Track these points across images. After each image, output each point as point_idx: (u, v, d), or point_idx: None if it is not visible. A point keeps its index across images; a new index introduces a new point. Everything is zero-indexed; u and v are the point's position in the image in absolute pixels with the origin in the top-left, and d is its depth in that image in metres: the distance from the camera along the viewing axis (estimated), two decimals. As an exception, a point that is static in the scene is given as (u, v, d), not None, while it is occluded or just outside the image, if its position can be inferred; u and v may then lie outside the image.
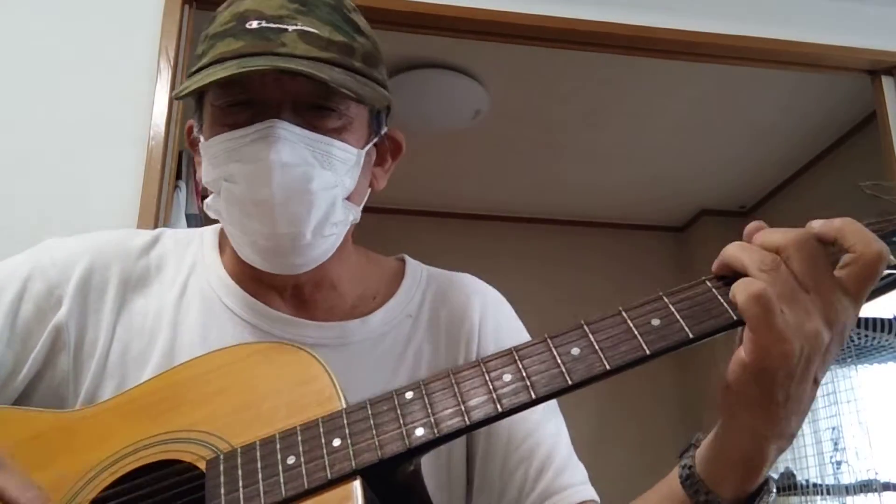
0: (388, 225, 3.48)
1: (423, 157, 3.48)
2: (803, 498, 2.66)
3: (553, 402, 0.85)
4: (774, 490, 0.64)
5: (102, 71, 1.93)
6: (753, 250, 0.59)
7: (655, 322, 0.59)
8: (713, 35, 2.29)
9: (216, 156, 0.76)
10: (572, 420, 0.86)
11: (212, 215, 0.81)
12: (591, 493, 0.81)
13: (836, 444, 2.64)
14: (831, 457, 2.65)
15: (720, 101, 3.11)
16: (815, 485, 2.65)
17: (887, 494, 2.47)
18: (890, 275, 0.62)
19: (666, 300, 0.60)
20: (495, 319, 0.89)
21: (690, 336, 0.58)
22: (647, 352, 0.58)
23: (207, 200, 0.80)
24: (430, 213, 3.96)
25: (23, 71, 1.90)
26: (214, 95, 0.77)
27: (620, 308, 0.61)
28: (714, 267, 0.61)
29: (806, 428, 2.81)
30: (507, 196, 3.92)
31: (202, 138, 0.79)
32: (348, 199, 0.79)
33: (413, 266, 0.92)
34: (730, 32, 2.30)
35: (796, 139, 3.37)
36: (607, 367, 0.58)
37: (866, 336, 2.52)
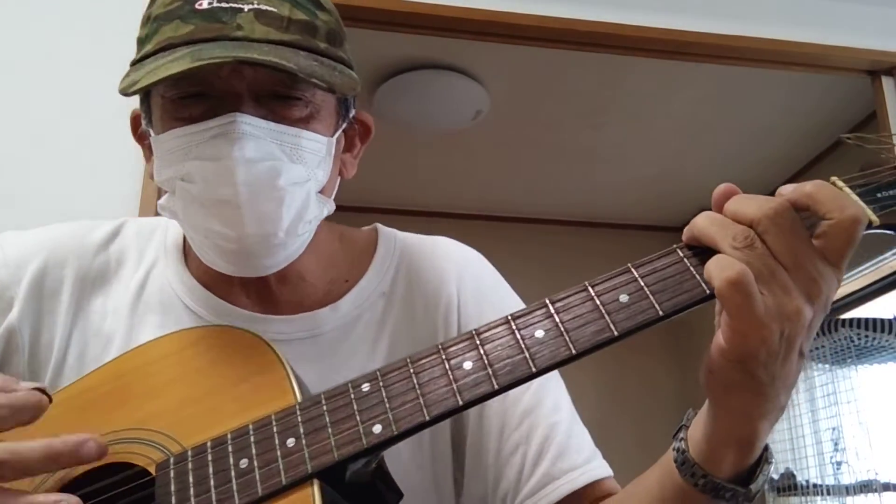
0: (387, 225, 3.47)
1: (423, 158, 3.48)
2: (803, 498, 2.66)
3: None
4: (773, 461, 0.61)
5: (102, 71, 1.92)
6: (725, 224, 0.54)
7: (624, 298, 0.56)
8: (713, 35, 2.29)
9: (171, 152, 0.69)
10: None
11: (167, 217, 0.75)
12: (597, 471, 0.76)
13: (836, 444, 2.64)
14: (831, 457, 2.65)
15: (720, 102, 3.10)
16: (815, 485, 2.65)
17: (887, 495, 2.47)
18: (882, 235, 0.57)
19: (635, 273, 0.57)
20: (475, 287, 0.83)
21: (661, 313, 0.54)
22: (616, 333, 0.55)
23: (161, 201, 0.74)
24: (430, 213, 3.96)
25: (22, 71, 1.90)
26: (164, 87, 0.69)
27: (587, 283, 0.57)
28: (684, 237, 0.57)
29: (806, 428, 2.81)
30: (507, 196, 3.91)
31: (152, 132, 0.72)
32: (321, 192, 0.73)
33: (386, 237, 0.86)
34: (730, 33, 2.30)
35: (796, 139, 3.37)
36: (573, 351, 0.55)
37: (866, 336, 2.52)
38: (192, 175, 0.68)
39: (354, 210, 3.59)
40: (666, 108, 3.15)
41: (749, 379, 0.54)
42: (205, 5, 0.67)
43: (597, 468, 0.76)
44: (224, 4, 0.67)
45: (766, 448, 0.60)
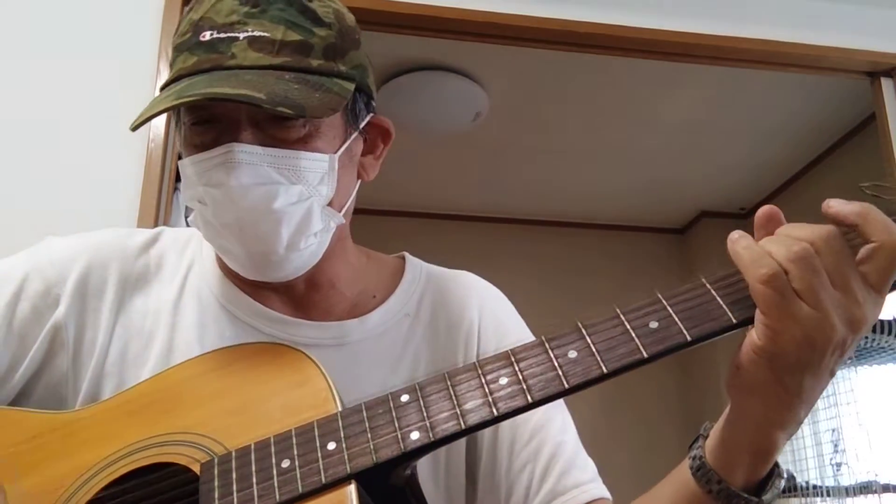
0: (388, 227, 3.48)
1: (423, 160, 3.49)
2: (803, 500, 2.66)
3: None
4: (785, 476, 0.64)
5: (102, 72, 1.93)
6: (782, 240, 0.57)
7: (653, 324, 0.59)
8: (712, 37, 2.29)
9: (189, 177, 0.75)
10: (574, 420, 0.85)
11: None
12: (599, 490, 0.80)
13: (835, 445, 2.64)
14: (831, 458, 2.65)
15: (720, 104, 3.11)
16: (814, 486, 2.65)
17: (887, 496, 2.47)
18: None
19: (664, 302, 0.60)
20: (495, 318, 0.88)
21: (689, 339, 0.58)
22: (645, 355, 0.58)
23: (189, 218, 0.79)
24: (430, 215, 3.96)
25: (23, 72, 1.90)
26: (182, 113, 0.75)
27: (618, 310, 0.61)
28: (729, 246, 0.59)
29: (806, 429, 2.80)
30: (507, 198, 3.92)
31: (182, 154, 0.78)
32: (329, 205, 0.77)
33: (413, 264, 0.91)
34: (729, 34, 2.30)
35: (796, 141, 3.37)
36: (604, 370, 0.58)
37: (866, 338, 2.52)
38: (204, 198, 0.74)
39: (354, 212, 3.59)
40: (665, 109, 3.15)
41: (775, 382, 0.57)
42: (207, 37, 0.72)
43: (598, 488, 0.80)
44: (222, 35, 0.72)
45: (777, 465, 0.63)
